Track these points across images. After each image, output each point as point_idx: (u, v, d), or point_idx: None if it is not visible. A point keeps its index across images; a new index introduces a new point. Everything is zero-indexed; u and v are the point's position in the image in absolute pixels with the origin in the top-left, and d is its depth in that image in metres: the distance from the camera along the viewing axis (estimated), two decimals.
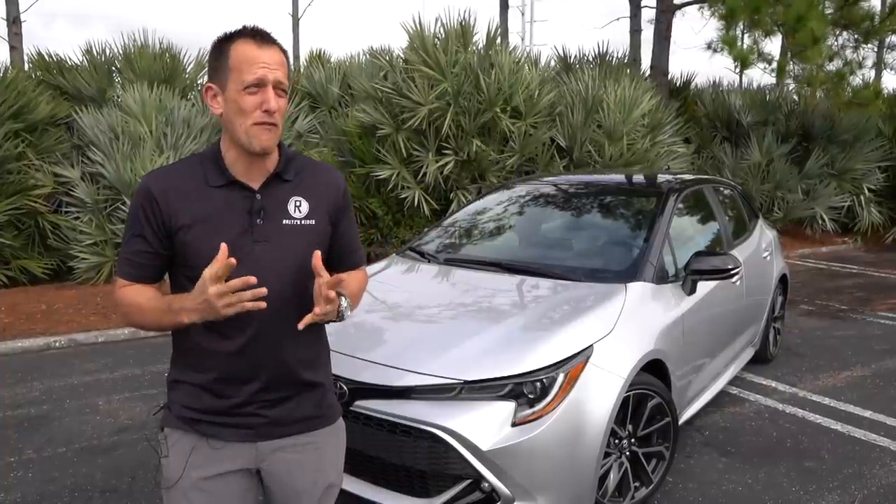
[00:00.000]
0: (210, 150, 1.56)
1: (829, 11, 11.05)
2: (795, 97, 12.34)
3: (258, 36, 1.47)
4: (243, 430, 1.56)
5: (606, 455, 2.72)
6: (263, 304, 1.36)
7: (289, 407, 1.59)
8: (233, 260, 1.33)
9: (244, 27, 1.49)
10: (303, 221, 1.55)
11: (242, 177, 1.52)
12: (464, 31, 8.07)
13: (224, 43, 1.48)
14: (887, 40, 15.44)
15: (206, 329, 1.48)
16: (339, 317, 1.52)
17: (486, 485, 2.41)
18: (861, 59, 12.49)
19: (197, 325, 1.43)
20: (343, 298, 1.52)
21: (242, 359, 1.52)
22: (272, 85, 1.45)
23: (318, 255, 1.43)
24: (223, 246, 1.33)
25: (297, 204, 1.56)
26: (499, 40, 8.59)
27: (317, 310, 1.42)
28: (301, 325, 1.43)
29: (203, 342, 1.52)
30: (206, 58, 9.42)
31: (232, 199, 1.51)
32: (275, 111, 1.46)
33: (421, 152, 7.93)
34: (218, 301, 1.33)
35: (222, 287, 1.32)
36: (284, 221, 1.53)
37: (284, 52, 1.53)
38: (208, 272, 1.33)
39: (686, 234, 3.87)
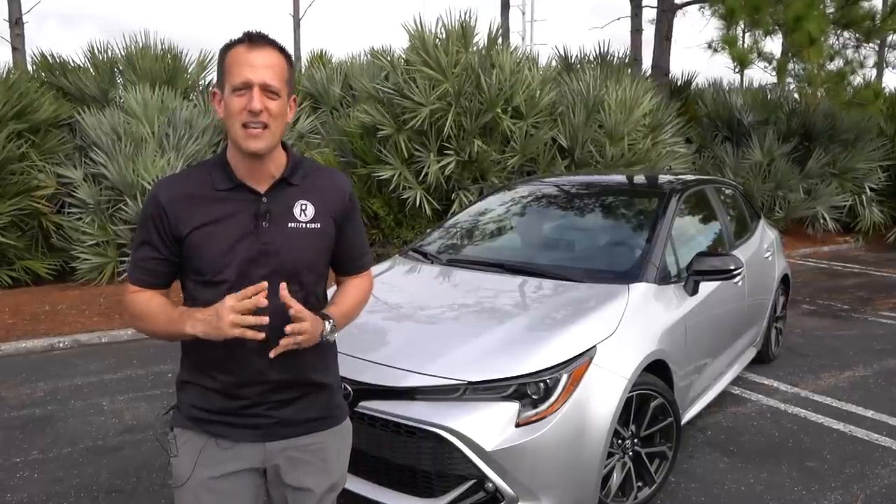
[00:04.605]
0: (217, 157, 1.59)
1: (830, 11, 11.04)
2: (796, 96, 12.32)
3: (251, 39, 1.48)
4: (252, 431, 1.58)
5: (610, 455, 2.73)
6: (261, 335, 1.40)
7: (297, 407, 1.61)
8: (261, 299, 1.39)
9: (244, 32, 1.51)
10: (308, 225, 1.57)
11: (248, 180, 1.54)
12: (465, 31, 8.07)
13: (225, 49, 1.50)
14: (888, 39, 15.44)
15: None
16: (324, 340, 1.55)
17: (490, 485, 2.43)
18: (862, 58, 12.50)
19: None
20: (327, 323, 1.55)
21: (251, 361, 1.53)
22: (258, 86, 1.45)
23: (283, 287, 1.45)
24: (264, 283, 1.41)
25: (303, 207, 1.57)
26: (500, 40, 8.60)
27: (283, 341, 1.45)
28: (272, 354, 1.46)
29: (212, 344, 1.53)
30: (208, 59, 9.24)
31: (238, 203, 1.53)
32: (259, 112, 1.45)
33: (422, 153, 7.94)
34: (227, 314, 1.38)
35: (238, 294, 1.39)
36: (290, 225, 1.55)
37: (284, 54, 1.52)
38: (237, 293, 1.40)
39: (688, 234, 3.88)
